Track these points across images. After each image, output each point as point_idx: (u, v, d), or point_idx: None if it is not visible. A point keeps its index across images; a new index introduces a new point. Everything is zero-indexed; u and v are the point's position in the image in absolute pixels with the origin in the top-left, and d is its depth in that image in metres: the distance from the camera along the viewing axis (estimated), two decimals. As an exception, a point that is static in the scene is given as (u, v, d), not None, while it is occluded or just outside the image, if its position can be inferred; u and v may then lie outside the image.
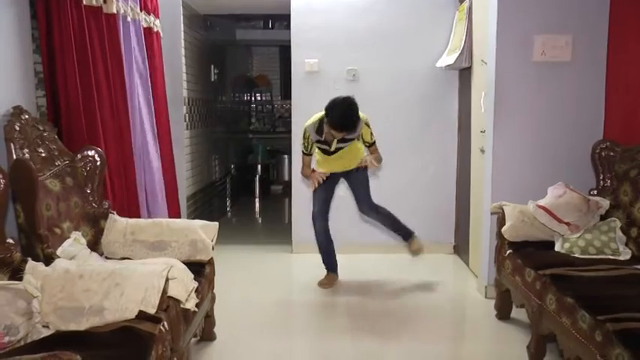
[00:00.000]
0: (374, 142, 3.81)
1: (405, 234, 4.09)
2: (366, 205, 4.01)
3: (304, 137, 3.80)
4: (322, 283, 3.97)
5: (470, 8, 4.12)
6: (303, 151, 3.87)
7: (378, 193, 4.65)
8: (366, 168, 3.86)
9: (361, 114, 3.63)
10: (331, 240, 4.01)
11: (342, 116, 3.53)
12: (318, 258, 4.13)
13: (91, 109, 2.95)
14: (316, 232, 3.98)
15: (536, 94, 3.50)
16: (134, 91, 3.34)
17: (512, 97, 3.49)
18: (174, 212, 3.76)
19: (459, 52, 4.13)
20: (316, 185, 3.86)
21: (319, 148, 3.82)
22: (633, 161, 3.05)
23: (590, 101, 3.49)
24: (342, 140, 3.71)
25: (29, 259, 2.05)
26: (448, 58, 4.37)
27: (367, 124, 3.72)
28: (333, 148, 3.76)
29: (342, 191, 4.45)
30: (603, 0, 3.42)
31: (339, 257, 4.04)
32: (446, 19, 4.57)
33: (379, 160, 3.86)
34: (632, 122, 3.22)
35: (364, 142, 3.79)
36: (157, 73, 3.66)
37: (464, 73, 4.46)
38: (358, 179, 3.94)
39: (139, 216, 3.25)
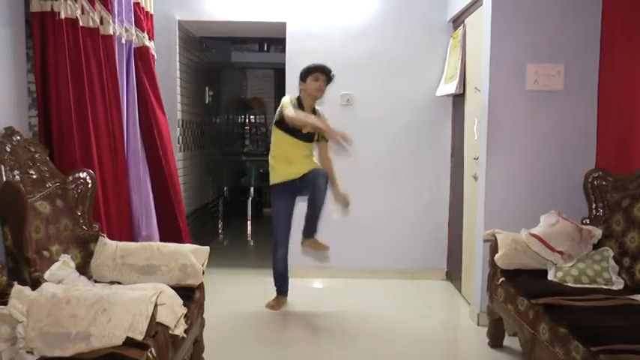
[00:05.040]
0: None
1: (310, 229, 3.82)
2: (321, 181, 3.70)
3: (281, 106, 3.70)
4: (271, 305, 3.95)
5: (464, 35, 4.16)
6: (276, 122, 3.76)
7: (371, 219, 4.67)
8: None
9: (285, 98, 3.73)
10: (287, 266, 3.96)
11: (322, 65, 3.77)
12: (310, 282, 4.11)
13: (84, 130, 2.93)
14: (277, 259, 3.91)
15: (529, 122, 3.52)
16: (129, 113, 3.33)
17: (506, 124, 3.51)
18: (182, 235, 3.67)
19: (457, 80, 4.15)
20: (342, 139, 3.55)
21: (288, 132, 3.73)
22: (625, 191, 3.06)
23: (582, 130, 3.52)
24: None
25: (15, 282, 2.01)
26: (446, 87, 4.40)
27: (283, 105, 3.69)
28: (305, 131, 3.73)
29: (336, 216, 4.43)
30: (594, 30, 3.47)
31: (333, 281, 4.00)
32: (440, 46, 4.61)
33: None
34: (623, 151, 3.24)
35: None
36: (154, 94, 3.64)
37: (457, 100, 4.49)
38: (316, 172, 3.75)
39: (131, 239, 3.20)
